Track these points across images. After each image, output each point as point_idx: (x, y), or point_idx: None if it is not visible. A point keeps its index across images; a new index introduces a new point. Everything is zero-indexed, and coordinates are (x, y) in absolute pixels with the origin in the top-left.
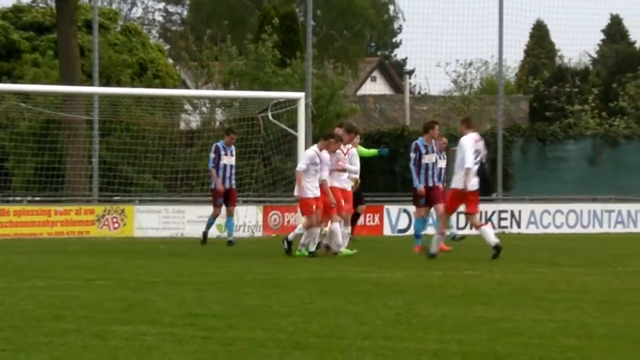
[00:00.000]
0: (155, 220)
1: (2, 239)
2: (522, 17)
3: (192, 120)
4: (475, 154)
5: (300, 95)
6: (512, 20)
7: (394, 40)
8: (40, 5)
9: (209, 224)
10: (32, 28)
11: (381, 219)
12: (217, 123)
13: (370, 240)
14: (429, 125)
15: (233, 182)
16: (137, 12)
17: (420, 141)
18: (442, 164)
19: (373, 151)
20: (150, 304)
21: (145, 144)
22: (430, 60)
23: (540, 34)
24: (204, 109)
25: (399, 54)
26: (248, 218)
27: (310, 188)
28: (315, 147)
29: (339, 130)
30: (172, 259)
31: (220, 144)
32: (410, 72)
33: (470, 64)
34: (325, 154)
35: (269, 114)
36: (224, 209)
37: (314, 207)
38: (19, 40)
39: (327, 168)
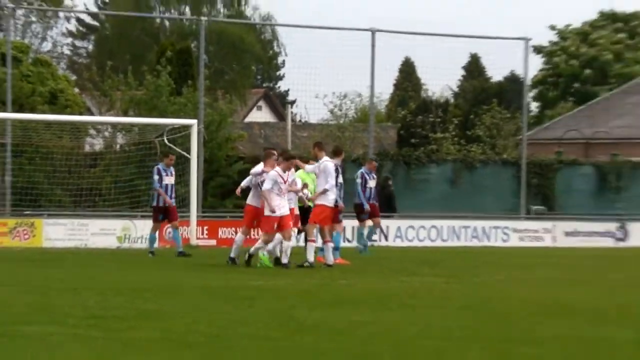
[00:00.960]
0: (62, 232)
1: None
2: (392, 54)
3: (95, 144)
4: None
5: (193, 122)
6: (383, 57)
7: (277, 73)
8: None
9: (152, 239)
10: None
11: None
12: (118, 146)
13: None
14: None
15: (173, 199)
16: (47, 45)
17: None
18: (372, 183)
19: None
20: (56, 308)
21: (54, 164)
22: (310, 92)
23: (407, 70)
24: (106, 133)
25: (282, 85)
26: (146, 231)
27: (276, 206)
28: (278, 168)
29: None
30: (77, 268)
31: (160, 166)
32: (292, 102)
33: (345, 95)
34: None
35: (165, 138)
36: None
37: (275, 225)
38: None
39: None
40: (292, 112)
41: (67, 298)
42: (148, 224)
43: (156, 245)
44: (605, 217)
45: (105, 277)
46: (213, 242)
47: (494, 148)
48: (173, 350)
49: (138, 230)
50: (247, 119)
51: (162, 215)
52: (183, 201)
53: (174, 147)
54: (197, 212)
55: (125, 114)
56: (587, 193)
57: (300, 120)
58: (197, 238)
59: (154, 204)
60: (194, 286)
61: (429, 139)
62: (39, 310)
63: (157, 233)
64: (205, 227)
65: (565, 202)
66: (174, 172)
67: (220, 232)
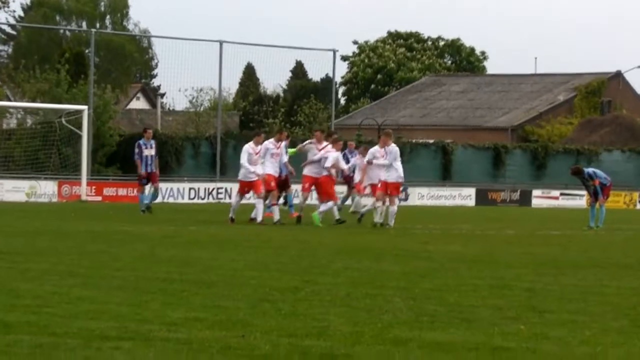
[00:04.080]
0: None
1: None
2: (238, 59)
3: (10, 123)
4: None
5: (84, 107)
6: (231, 61)
7: (152, 72)
8: None
9: (141, 199)
10: None
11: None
12: (28, 125)
13: (130, 206)
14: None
15: (154, 167)
16: None
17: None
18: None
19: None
20: None
21: None
22: (175, 87)
23: (249, 71)
24: (18, 115)
25: (155, 81)
26: (48, 189)
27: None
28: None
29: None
30: None
31: (141, 141)
32: (162, 94)
33: (201, 89)
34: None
35: (63, 119)
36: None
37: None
38: None
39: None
40: (161, 102)
41: None
42: (50, 184)
43: (146, 202)
44: None
45: (14, 223)
46: (99, 198)
47: (311, 131)
48: (60, 278)
49: (42, 189)
50: (128, 107)
51: (146, 179)
52: (76, 167)
53: (70, 126)
54: (87, 175)
55: (33, 101)
56: None
57: (168, 108)
58: (87, 195)
59: (139, 172)
60: (81, 231)
61: (263, 123)
62: None
63: (143, 194)
64: (94, 187)
65: None
66: (153, 145)
67: (105, 191)
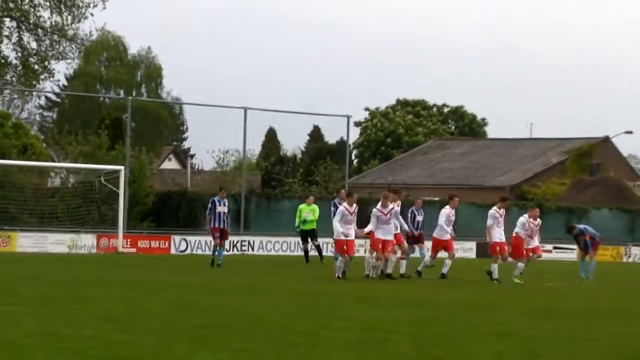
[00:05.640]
0: (30, 242)
1: None
2: (261, 124)
3: (54, 182)
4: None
5: (121, 168)
6: (255, 125)
7: (183, 136)
8: None
9: (213, 252)
10: None
11: (169, 244)
12: (70, 184)
13: (162, 257)
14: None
15: (226, 224)
16: (24, 114)
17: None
18: (420, 218)
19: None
20: (20, 293)
21: (25, 195)
22: (204, 148)
23: (271, 135)
24: (62, 175)
25: (186, 144)
26: (87, 242)
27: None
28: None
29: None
30: (38, 266)
31: (215, 198)
32: (192, 156)
33: (227, 151)
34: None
35: (102, 179)
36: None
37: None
38: None
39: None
40: (191, 162)
41: (28, 286)
42: (89, 237)
43: (213, 256)
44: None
45: (56, 272)
46: (134, 250)
47: (327, 189)
48: (98, 323)
49: (82, 241)
50: (161, 167)
51: (219, 234)
52: (113, 222)
53: (108, 185)
54: (123, 229)
55: (76, 162)
56: None
57: (197, 168)
58: (123, 247)
59: (209, 226)
60: (118, 281)
61: (283, 182)
62: (8, 294)
63: (221, 248)
64: (129, 240)
65: None
66: (227, 203)
67: (139, 243)
